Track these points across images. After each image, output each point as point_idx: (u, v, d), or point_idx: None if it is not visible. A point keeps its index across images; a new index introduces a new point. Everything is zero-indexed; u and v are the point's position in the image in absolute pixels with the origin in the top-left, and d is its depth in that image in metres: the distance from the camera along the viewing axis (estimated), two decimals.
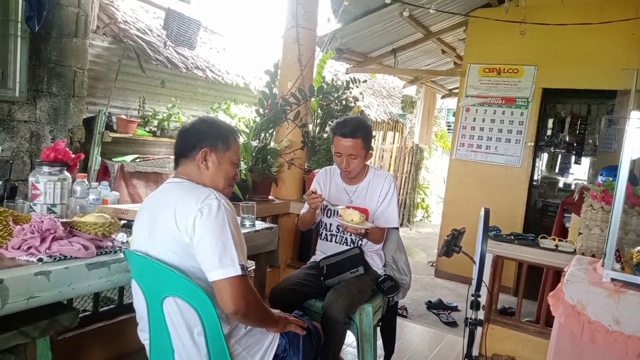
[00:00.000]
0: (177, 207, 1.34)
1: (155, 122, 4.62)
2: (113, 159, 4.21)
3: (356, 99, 4.03)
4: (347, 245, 2.30)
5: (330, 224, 2.33)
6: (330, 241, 2.33)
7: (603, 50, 3.99)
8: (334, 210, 2.29)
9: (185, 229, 1.31)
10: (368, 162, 2.36)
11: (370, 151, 2.26)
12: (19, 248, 1.43)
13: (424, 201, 8.57)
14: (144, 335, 1.46)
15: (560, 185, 6.01)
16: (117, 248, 1.61)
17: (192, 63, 4.79)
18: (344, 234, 2.29)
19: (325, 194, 2.32)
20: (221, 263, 1.28)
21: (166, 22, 4.07)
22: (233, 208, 1.38)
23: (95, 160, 3.93)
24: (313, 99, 3.64)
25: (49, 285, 1.37)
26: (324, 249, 2.36)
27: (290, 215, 3.48)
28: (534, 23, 3.63)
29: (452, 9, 4.50)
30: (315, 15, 3.61)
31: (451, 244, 1.83)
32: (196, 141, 1.47)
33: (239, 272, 1.30)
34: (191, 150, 1.47)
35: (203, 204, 1.32)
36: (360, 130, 2.17)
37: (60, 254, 1.45)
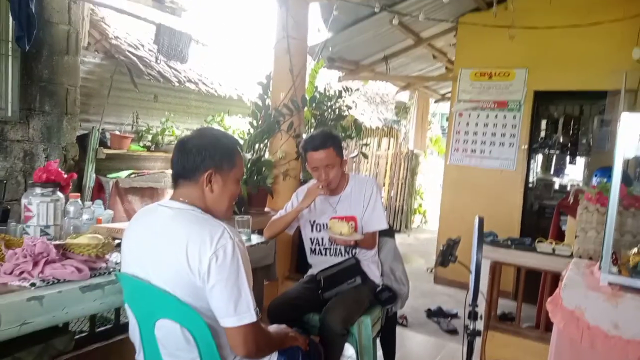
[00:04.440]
0: (189, 244, 1.26)
1: (149, 137, 4.62)
2: (108, 176, 4.19)
3: (349, 107, 4.04)
4: (341, 255, 2.29)
5: (322, 238, 2.32)
6: (325, 255, 2.32)
7: (593, 52, 4.02)
8: (324, 224, 2.28)
9: (199, 272, 1.25)
10: (349, 172, 2.36)
11: (345, 158, 2.27)
12: (11, 273, 1.41)
13: (421, 207, 8.57)
14: (140, 358, 1.44)
15: (556, 186, 6.02)
16: (111, 269, 1.59)
17: (184, 76, 4.79)
18: (336, 245, 2.28)
19: (309, 209, 2.29)
20: (236, 310, 1.26)
21: (157, 37, 4.06)
22: (244, 242, 1.34)
23: (90, 178, 3.91)
24: (306, 109, 3.64)
25: (42, 310, 1.35)
26: (319, 264, 2.34)
27: None
28: (523, 27, 3.66)
29: (441, 15, 4.53)
30: (305, 25, 3.63)
31: (447, 254, 1.83)
32: (199, 161, 1.35)
33: (253, 318, 1.28)
34: (194, 172, 1.35)
35: (218, 245, 1.25)
36: (329, 140, 2.19)
37: (53, 278, 1.44)
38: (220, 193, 1.39)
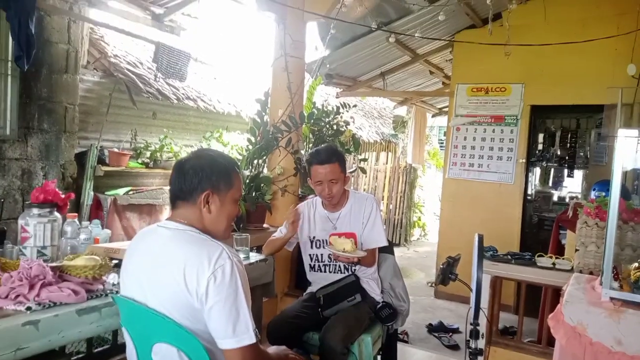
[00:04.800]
0: (187, 265, 1.25)
1: (148, 154, 4.62)
2: (106, 193, 4.18)
3: (347, 123, 4.05)
4: (341, 272, 2.28)
5: (322, 255, 2.32)
6: (324, 272, 2.31)
7: (588, 67, 4.06)
8: (323, 241, 2.28)
9: (197, 294, 1.23)
10: (348, 188, 2.38)
11: (348, 174, 2.30)
12: (6, 297, 1.39)
13: (420, 220, 8.56)
14: None
15: (555, 199, 6.02)
16: (108, 291, 1.57)
17: (183, 94, 4.81)
18: (336, 262, 2.27)
19: (308, 226, 2.33)
20: (235, 332, 1.24)
21: (156, 56, 4.10)
22: (242, 263, 1.33)
23: (88, 195, 3.90)
24: (304, 125, 3.66)
25: (38, 335, 1.33)
26: (319, 280, 2.33)
27: None
28: (518, 45, 3.69)
29: (436, 33, 4.58)
30: (303, 44, 3.66)
31: (447, 273, 1.82)
32: (196, 182, 1.36)
33: (252, 339, 1.26)
34: (191, 193, 1.36)
35: (216, 266, 1.24)
36: (334, 155, 2.23)
37: (49, 301, 1.42)
38: (218, 214, 1.39)
